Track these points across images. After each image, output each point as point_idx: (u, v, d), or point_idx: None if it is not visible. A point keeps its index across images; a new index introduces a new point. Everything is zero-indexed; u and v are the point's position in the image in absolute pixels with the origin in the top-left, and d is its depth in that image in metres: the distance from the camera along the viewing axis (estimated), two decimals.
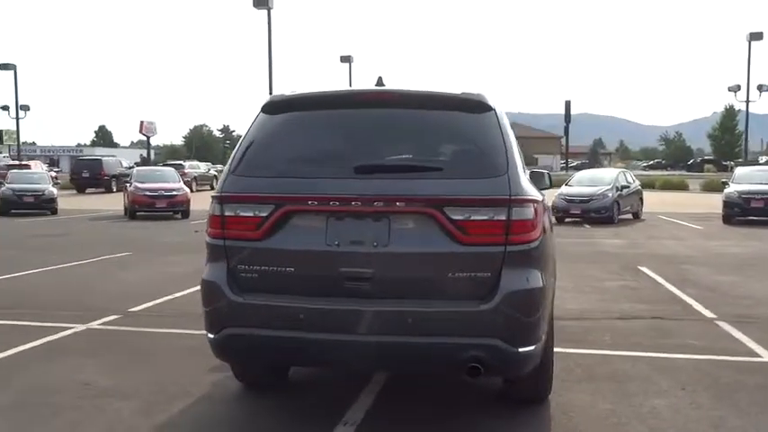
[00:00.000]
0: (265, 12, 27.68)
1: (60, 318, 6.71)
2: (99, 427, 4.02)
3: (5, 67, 40.05)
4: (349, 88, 4.01)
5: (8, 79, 39.75)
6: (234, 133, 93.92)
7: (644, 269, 10.32)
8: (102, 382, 4.79)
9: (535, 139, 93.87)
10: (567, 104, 58.99)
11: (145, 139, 49.16)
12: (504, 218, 3.50)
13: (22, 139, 75.94)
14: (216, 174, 42.04)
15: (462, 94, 3.90)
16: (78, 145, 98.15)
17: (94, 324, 6.51)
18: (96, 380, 4.85)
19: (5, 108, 42.46)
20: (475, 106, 3.83)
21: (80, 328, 6.38)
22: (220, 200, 3.78)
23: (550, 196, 21.37)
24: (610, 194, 19.36)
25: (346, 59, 39.08)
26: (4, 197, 23.29)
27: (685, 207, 24.96)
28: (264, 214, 3.65)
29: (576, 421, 4.15)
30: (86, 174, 36.72)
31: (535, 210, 3.64)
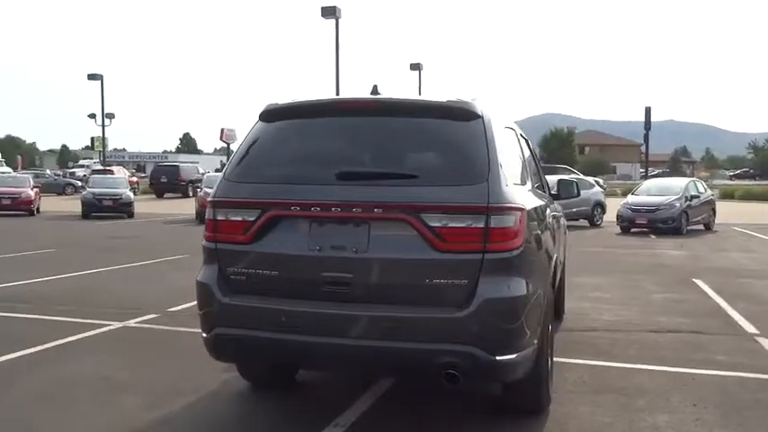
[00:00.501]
0: (333, 21, 28.22)
1: (102, 315, 7.05)
2: (98, 418, 4.23)
3: (94, 77, 42.20)
4: (338, 97, 4.09)
5: (97, 88, 41.68)
6: None
7: (698, 282, 9.95)
8: (121, 377, 5.03)
9: (614, 147, 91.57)
10: (648, 111, 57.09)
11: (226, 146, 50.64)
12: (482, 225, 3.51)
13: (114, 146, 79.28)
14: None
15: (448, 101, 3.92)
16: (164, 151, 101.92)
17: (131, 322, 6.82)
18: (116, 375, 5.10)
19: (92, 116, 44.72)
20: (460, 114, 3.85)
21: (117, 325, 6.70)
22: (213, 205, 3.94)
23: (616, 206, 20.92)
24: (678, 204, 18.72)
25: (416, 67, 39.19)
26: (85, 201, 24.57)
27: (765, 218, 23.86)
28: (252, 219, 3.78)
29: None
30: (164, 179, 38.18)
31: (518, 218, 3.62)
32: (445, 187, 3.59)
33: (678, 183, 21.25)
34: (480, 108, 3.90)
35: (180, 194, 36.92)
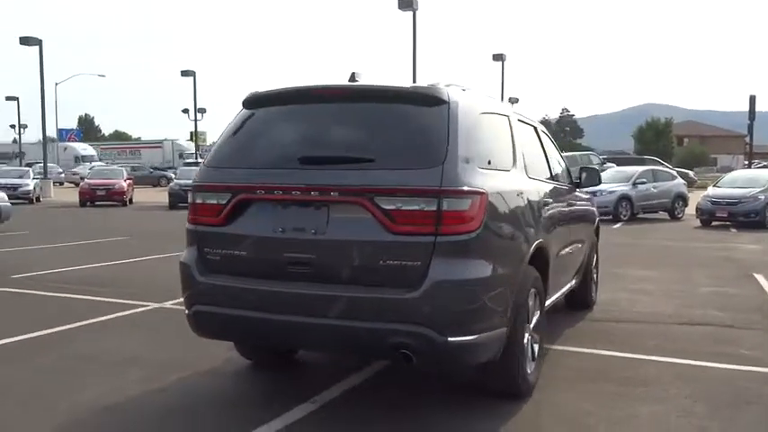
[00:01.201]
0: (410, 13, 28.24)
1: (142, 296, 7.46)
2: (98, 387, 4.53)
3: (186, 73, 44.06)
4: (311, 84, 4.21)
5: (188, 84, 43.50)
6: None
7: (758, 276, 9.49)
8: (136, 352, 5.35)
9: (715, 138, 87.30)
10: (752, 100, 54.24)
11: None
12: (434, 208, 3.55)
13: (213, 139, 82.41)
14: None
15: (412, 87, 3.98)
16: None
17: (168, 303, 7.18)
18: (133, 350, 5.42)
19: (185, 111, 46.78)
20: (425, 100, 3.89)
21: (153, 306, 7.10)
22: (193, 189, 4.17)
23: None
24: (762, 197, 17.76)
25: (498, 57, 38.74)
26: (172, 192, 25.75)
27: None
28: (224, 202, 3.98)
29: (542, 418, 4.06)
30: None
31: (476, 202, 3.63)
32: (400, 171, 3.66)
33: (765, 175, 20.14)
34: (448, 94, 3.93)
35: None
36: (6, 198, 16.42)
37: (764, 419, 4.08)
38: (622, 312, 7.07)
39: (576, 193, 6.50)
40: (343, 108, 4.05)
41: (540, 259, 4.58)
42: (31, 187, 31.12)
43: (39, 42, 35.32)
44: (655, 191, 21.03)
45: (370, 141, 3.94)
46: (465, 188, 3.62)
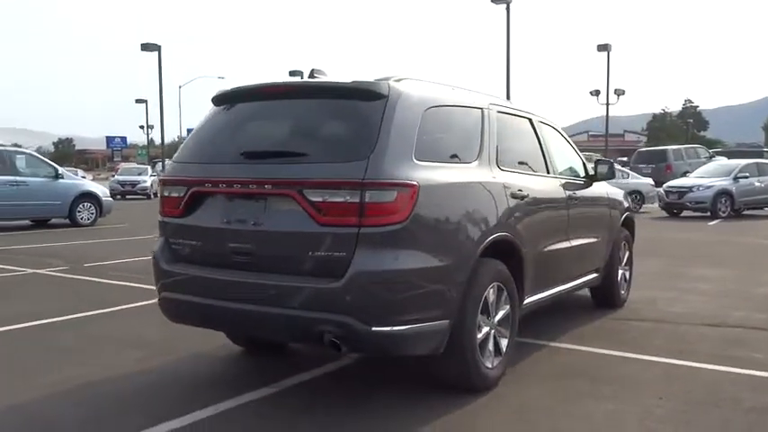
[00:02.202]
0: (504, 6, 27.82)
1: None
2: (94, 366, 4.91)
3: (294, 73, 45.58)
4: (264, 82, 4.36)
5: None
6: None
7: None
8: (144, 335, 5.71)
9: None
10: None
11: None
12: (357, 200, 3.63)
13: None
14: None
15: (352, 82, 4.04)
16: None
17: None
18: (143, 333, 5.79)
19: None
20: (364, 94, 3.95)
21: None
22: (160, 183, 4.46)
23: None
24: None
25: (604, 48, 37.34)
26: None
27: None
28: (181, 195, 4.23)
29: (490, 411, 4.02)
30: None
31: (402, 194, 3.67)
32: (328, 164, 3.76)
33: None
34: (390, 88, 3.98)
35: None
36: (108, 193, 17.73)
37: (721, 424, 3.85)
38: (652, 312, 6.77)
39: (594, 187, 6.31)
40: (289, 104, 4.20)
41: (507, 253, 4.53)
42: (148, 184, 33.24)
43: (158, 48, 37.71)
44: (760, 185, 19.70)
45: (307, 136, 4.06)
46: (390, 180, 3.66)
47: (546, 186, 5.29)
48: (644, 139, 64.78)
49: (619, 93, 41.73)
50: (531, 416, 3.98)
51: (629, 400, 4.21)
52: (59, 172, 16.09)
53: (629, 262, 7.18)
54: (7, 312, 6.63)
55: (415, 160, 3.86)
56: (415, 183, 3.75)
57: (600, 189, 6.46)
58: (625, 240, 7.02)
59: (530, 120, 5.51)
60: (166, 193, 4.37)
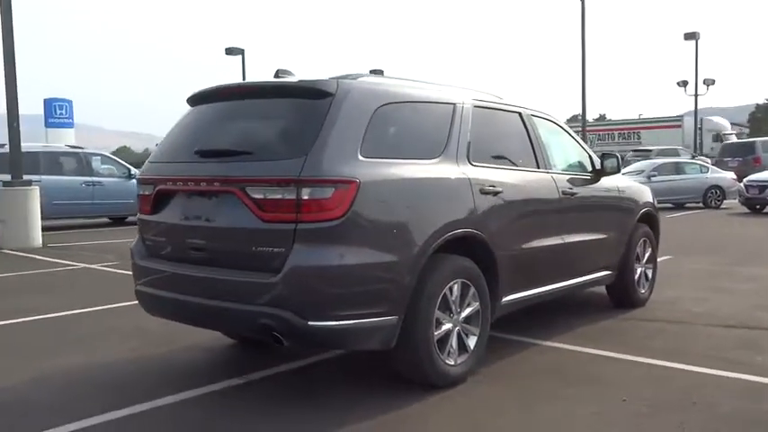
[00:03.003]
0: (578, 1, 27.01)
1: None
2: (93, 354, 5.23)
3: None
4: (223, 83, 4.51)
5: None
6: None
7: None
8: (147, 328, 5.84)
9: None
10: None
11: None
12: (293, 197, 3.70)
13: None
14: None
15: (299, 81, 4.13)
16: None
17: None
18: (147, 326, 5.96)
19: None
20: (310, 93, 4.03)
21: None
22: (137, 181, 4.68)
23: None
24: None
25: (691, 36, 35.61)
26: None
27: None
28: (150, 193, 4.44)
29: (437, 408, 4.00)
30: None
31: (341, 191, 3.71)
32: (269, 162, 3.85)
33: None
34: (338, 86, 4.03)
35: None
36: None
37: (673, 429, 3.69)
38: (669, 312, 6.51)
39: (602, 182, 6.13)
40: (244, 105, 4.33)
41: (475, 249, 4.49)
42: None
43: (241, 52, 38.86)
44: None
45: (254, 135, 4.17)
46: (326, 177, 3.71)
47: (532, 182, 5.19)
48: (746, 131, 61.28)
49: (708, 83, 39.64)
50: (479, 415, 3.94)
51: (589, 402, 4.11)
52: (132, 172, 16.92)
53: (652, 260, 6.91)
54: (40, 304, 7.09)
55: (360, 157, 3.90)
56: (355, 179, 3.78)
57: (609, 184, 6.26)
58: (645, 237, 6.76)
59: (519, 114, 5.41)
60: (140, 192, 4.60)
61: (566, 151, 5.98)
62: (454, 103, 4.74)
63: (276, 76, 4.59)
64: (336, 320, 3.75)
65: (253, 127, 4.23)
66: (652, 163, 22.19)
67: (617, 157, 6.18)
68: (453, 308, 4.34)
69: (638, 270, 6.67)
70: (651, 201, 6.93)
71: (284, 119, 4.10)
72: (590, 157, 6.16)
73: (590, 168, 6.11)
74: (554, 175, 5.49)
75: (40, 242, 12.35)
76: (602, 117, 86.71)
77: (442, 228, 4.22)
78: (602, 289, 6.68)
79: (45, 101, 31.79)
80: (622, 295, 6.60)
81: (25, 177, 12.18)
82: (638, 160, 26.07)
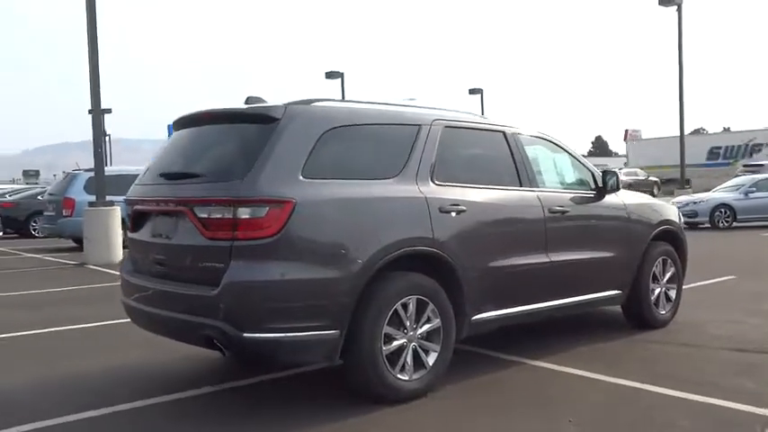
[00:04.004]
0: (674, 9, 25.88)
1: None
2: (105, 359, 5.66)
3: (474, 91, 45.96)
4: (195, 110, 4.82)
5: (476, 102, 45.27)
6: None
7: None
8: (158, 338, 6.34)
9: None
10: None
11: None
12: (230, 216, 3.95)
13: None
14: (656, 180, 40.81)
15: (250, 107, 4.41)
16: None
17: None
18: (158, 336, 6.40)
19: None
20: (259, 118, 4.30)
21: None
22: (124, 202, 5.09)
23: None
24: None
25: None
26: None
27: None
28: (130, 213, 4.82)
29: (375, 421, 4.10)
30: None
31: (275, 211, 3.92)
32: (214, 183, 4.13)
33: None
34: (286, 112, 4.25)
35: None
36: None
37: None
38: (690, 334, 6.19)
39: (606, 200, 5.98)
40: (205, 130, 4.63)
41: (433, 267, 4.55)
42: None
43: (341, 75, 40.04)
44: None
45: (207, 158, 4.45)
46: (260, 198, 3.93)
47: (510, 200, 5.16)
48: None
49: None
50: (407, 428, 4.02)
51: (530, 419, 4.10)
52: None
53: (674, 279, 6.62)
54: (90, 314, 7.64)
55: (301, 178, 4.08)
56: (290, 199, 3.97)
57: (615, 201, 6.10)
58: (665, 256, 6.50)
59: (503, 133, 5.40)
60: (128, 212, 4.99)
61: (561, 170, 5.89)
62: (419, 125, 4.82)
63: (246, 102, 4.86)
64: (271, 333, 3.94)
65: (208, 151, 4.52)
66: (752, 178, 20.90)
67: (616, 175, 6.02)
68: (408, 324, 4.41)
69: (657, 290, 6.42)
70: (671, 218, 6.65)
71: (234, 143, 4.36)
72: (593, 175, 6.03)
73: (593, 186, 5.99)
74: (540, 194, 5.41)
75: (120, 258, 13.29)
76: (727, 129, 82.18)
77: (391, 245, 4.31)
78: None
79: (168, 126, 34.10)
80: (637, 316, 6.38)
81: (108, 198, 13.13)
82: (745, 175, 24.65)
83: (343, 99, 4.94)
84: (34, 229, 20.88)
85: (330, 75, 40.17)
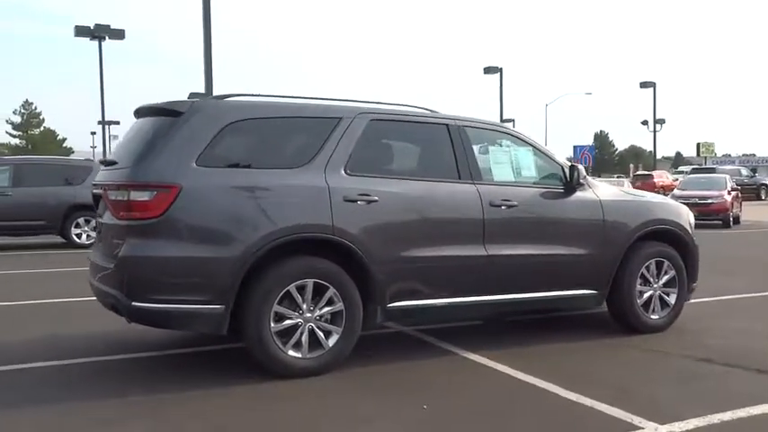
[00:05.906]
0: None
1: None
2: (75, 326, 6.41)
3: (645, 85, 43.38)
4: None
5: (648, 96, 42.87)
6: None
7: None
8: (171, 334, 5.78)
9: None
10: None
11: None
12: (125, 198, 4.48)
13: (720, 151, 76.66)
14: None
15: (164, 102, 4.86)
16: None
17: None
18: (173, 333, 5.76)
19: (645, 123, 45.92)
20: (168, 112, 4.77)
21: None
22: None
23: None
24: None
25: None
26: None
27: None
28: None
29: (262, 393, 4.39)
30: None
31: (161, 194, 4.38)
32: (122, 170, 4.69)
33: None
34: (191, 106, 4.71)
35: None
36: None
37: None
38: (674, 342, 5.75)
39: (576, 195, 5.75)
40: (138, 122, 5.15)
41: (337, 253, 4.77)
42: None
43: (499, 70, 39.73)
44: None
45: (127, 148, 4.97)
46: (147, 183, 4.43)
47: (437, 192, 5.18)
48: None
49: None
50: (310, 412, 4.16)
51: (388, 406, 4.22)
52: None
53: (673, 283, 6.17)
54: None
55: (194, 166, 4.51)
56: (176, 184, 4.42)
57: (586, 196, 5.83)
58: (661, 257, 6.10)
59: (446, 126, 5.41)
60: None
61: (521, 164, 5.76)
62: (340, 118, 5.02)
63: (189, 97, 5.38)
64: (156, 303, 4.42)
65: (131, 141, 5.03)
66: None
67: (578, 169, 5.75)
68: (301, 304, 4.67)
69: (647, 293, 6.05)
70: (668, 218, 6.20)
71: (147, 134, 4.83)
72: (563, 169, 5.82)
73: (562, 181, 5.79)
74: (482, 187, 5.35)
75: None
76: None
77: (282, 230, 4.58)
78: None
79: None
80: (621, 319, 6.07)
81: None
82: None
83: (289, 96, 5.20)
84: None
85: (488, 70, 40.00)
